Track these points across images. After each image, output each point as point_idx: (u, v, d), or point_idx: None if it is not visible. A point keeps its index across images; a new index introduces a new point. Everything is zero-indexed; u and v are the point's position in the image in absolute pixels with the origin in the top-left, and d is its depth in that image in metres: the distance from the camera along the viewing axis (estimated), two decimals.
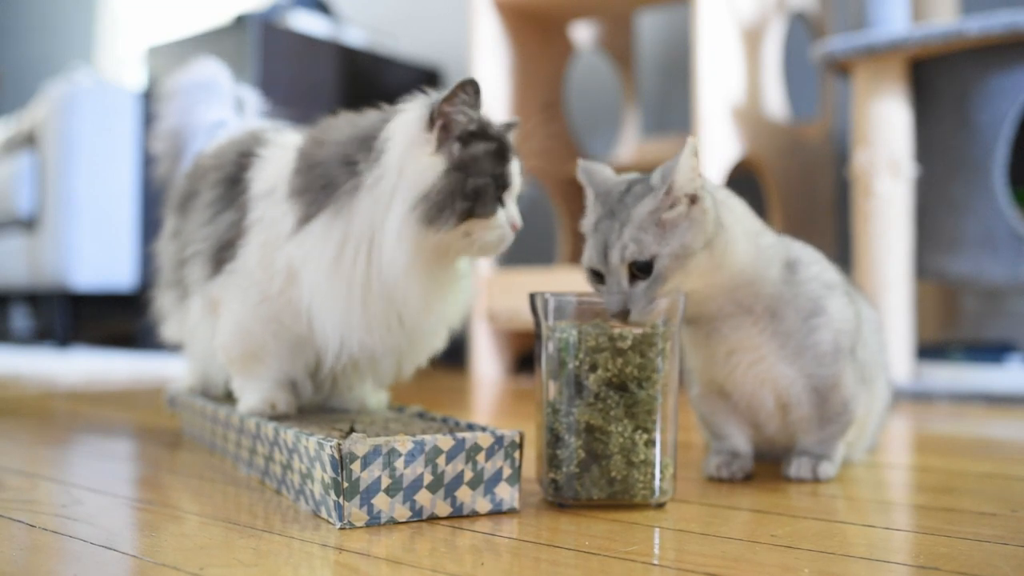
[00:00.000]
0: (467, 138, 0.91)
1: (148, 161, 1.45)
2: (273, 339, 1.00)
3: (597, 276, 0.87)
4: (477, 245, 0.93)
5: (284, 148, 1.03)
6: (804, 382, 0.94)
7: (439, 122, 0.91)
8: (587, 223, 0.89)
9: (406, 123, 0.92)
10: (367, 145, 0.93)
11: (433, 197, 0.89)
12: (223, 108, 1.34)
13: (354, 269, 0.92)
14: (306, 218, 0.95)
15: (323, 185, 0.94)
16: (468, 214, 0.91)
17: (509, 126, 1.00)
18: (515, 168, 0.95)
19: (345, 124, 0.99)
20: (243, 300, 1.00)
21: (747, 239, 0.90)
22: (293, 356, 1.02)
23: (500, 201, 0.93)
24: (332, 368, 1.02)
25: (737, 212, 0.92)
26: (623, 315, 0.83)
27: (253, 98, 1.39)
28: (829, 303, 0.94)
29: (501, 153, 0.93)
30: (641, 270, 0.84)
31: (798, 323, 0.92)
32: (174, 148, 1.34)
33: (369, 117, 0.97)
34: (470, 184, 0.90)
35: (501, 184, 0.93)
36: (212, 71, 1.37)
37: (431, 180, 0.90)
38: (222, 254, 1.02)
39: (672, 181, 0.83)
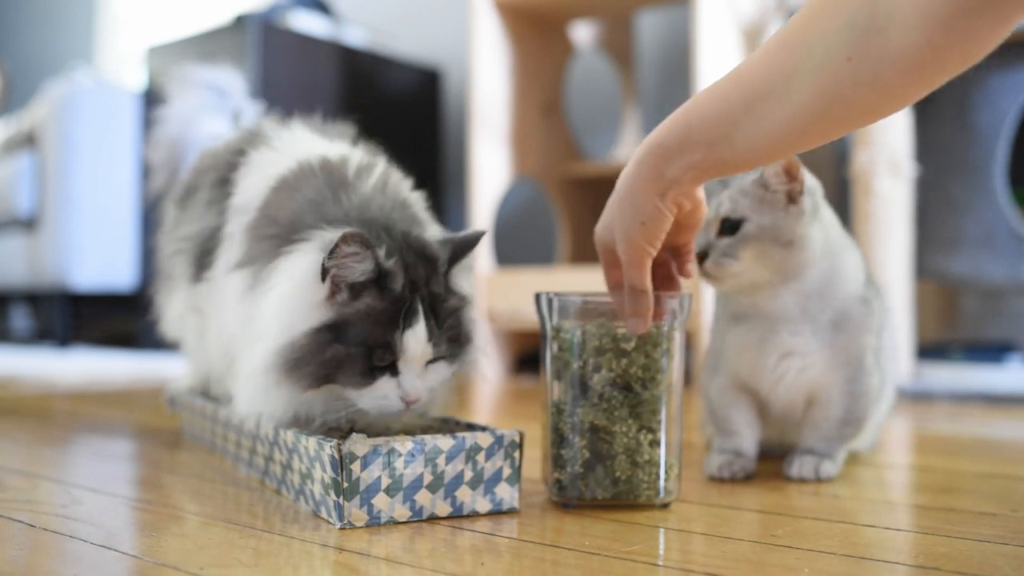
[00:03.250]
0: (360, 290, 0.80)
1: (146, 171, 1.45)
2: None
3: None
4: (356, 405, 0.83)
5: (276, 153, 0.99)
6: (842, 387, 0.96)
7: (329, 273, 0.80)
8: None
9: (297, 267, 0.83)
10: (278, 242, 0.86)
11: (293, 353, 0.80)
12: (225, 120, 1.33)
13: (249, 356, 0.86)
14: (239, 265, 0.90)
15: (260, 249, 0.89)
16: (327, 380, 0.81)
17: (457, 249, 0.86)
18: (416, 331, 0.80)
19: (299, 196, 0.90)
20: (216, 312, 1.01)
21: (832, 256, 0.95)
22: None
23: (387, 369, 0.81)
24: None
25: (831, 233, 0.97)
26: (701, 257, 0.92)
27: (252, 109, 1.38)
28: (871, 321, 0.97)
29: (393, 315, 0.80)
30: (730, 229, 0.92)
31: (855, 340, 0.96)
32: (172, 159, 1.33)
33: (304, 205, 0.88)
34: (330, 351, 0.79)
35: (384, 354, 0.80)
36: (226, 78, 1.36)
37: (296, 335, 0.80)
38: (204, 259, 1.02)
39: (763, 171, 0.92)
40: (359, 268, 0.79)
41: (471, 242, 0.87)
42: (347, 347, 0.80)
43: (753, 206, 0.92)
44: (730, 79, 0.72)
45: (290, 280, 0.83)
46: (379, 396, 0.81)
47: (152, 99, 2.91)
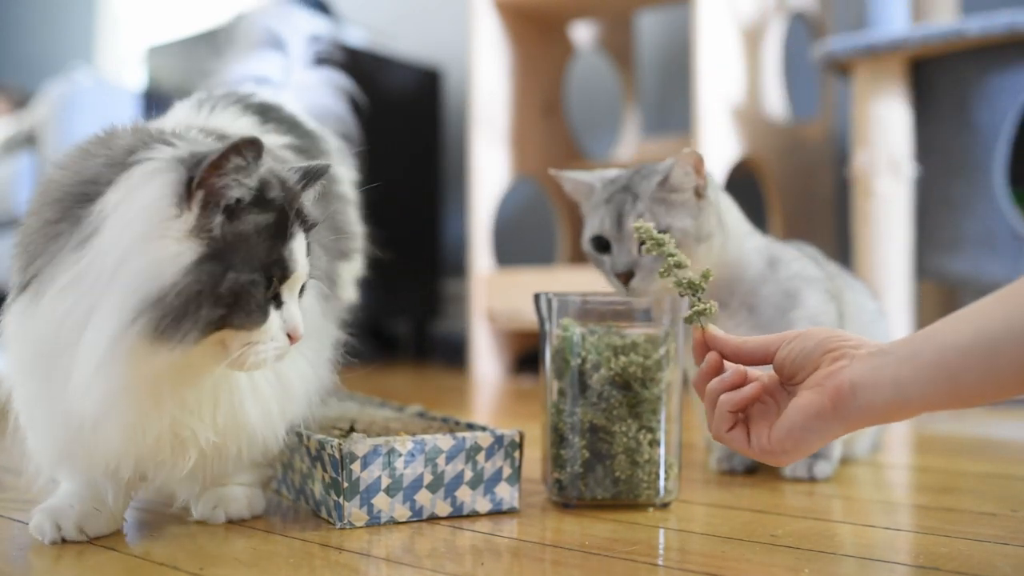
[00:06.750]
0: (236, 210, 0.65)
1: None
2: None
3: (602, 245, 0.91)
4: (238, 361, 0.66)
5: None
6: None
7: (199, 194, 0.64)
8: (595, 200, 0.94)
9: (142, 198, 0.64)
10: (76, 211, 0.66)
11: (170, 302, 0.62)
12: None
13: (44, 384, 0.67)
14: (16, 289, 0.70)
15: (29, 252, 0.69)
16: (221, 324, 0.64)
17: (309, 174, 0.72)
18: (299, 245, 0.68)
19: (71, 168, 0.70)
20: None
21: (736, 241, 0.96)
22: None
23: (275, 300, 0.67)
24: None
25: (734, 216, 0.97)
26: (627, 276, 0.88)
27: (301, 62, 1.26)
28: (807, 296, 0.96)
29: (281, 227, 0.67)
30: None
31: (776, 317, 0.95)
32: None
33: (96, 162, 0.68)
34: (228, 282, 0.63)
35: (278, 274, 0.67)
36: (290, 27, 1.27)
37: (170, 277, 0.62)
38: None
39: (669, 173, 0.89)
40: (246, 184, 0.65)
41: (323, 169, 0.74)
42: (247, 273, 0.64)
43: (669, 211, 0.90)
44: (970, 314, 0.63)
45: (134, 216, 0.63)
46: (268, 340, 0.66)
47: (152, 99, 2.91)
